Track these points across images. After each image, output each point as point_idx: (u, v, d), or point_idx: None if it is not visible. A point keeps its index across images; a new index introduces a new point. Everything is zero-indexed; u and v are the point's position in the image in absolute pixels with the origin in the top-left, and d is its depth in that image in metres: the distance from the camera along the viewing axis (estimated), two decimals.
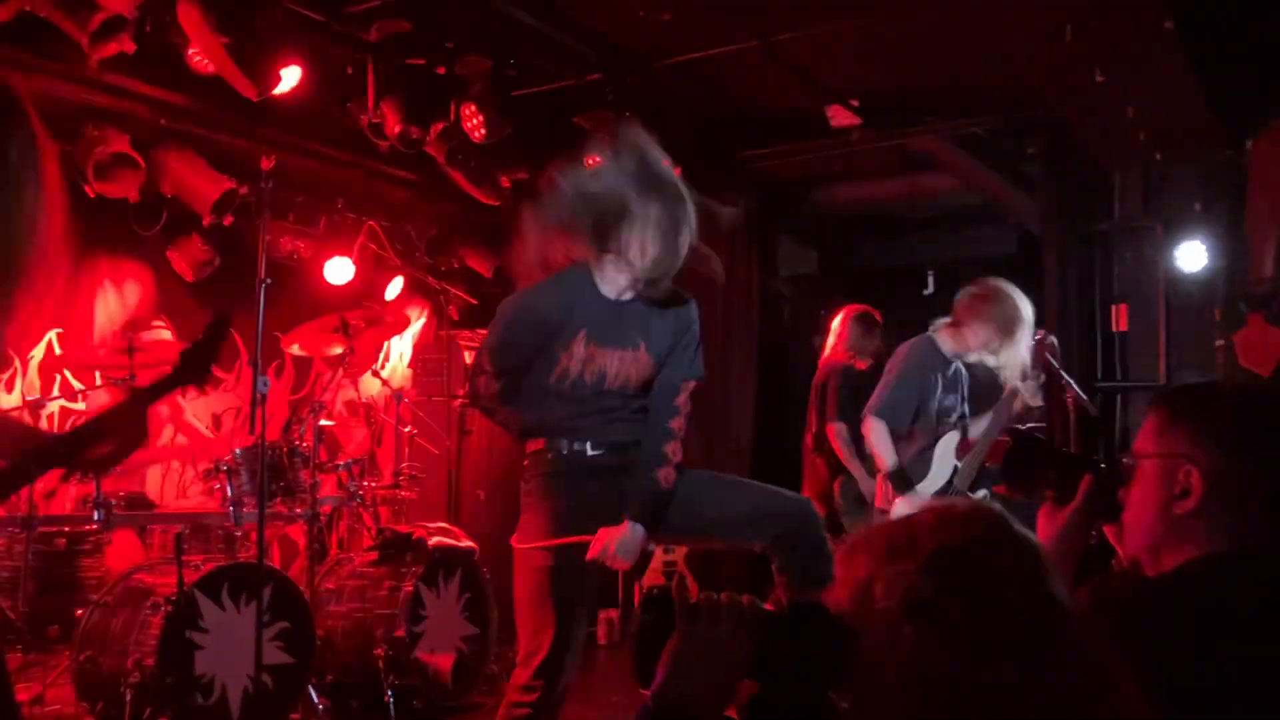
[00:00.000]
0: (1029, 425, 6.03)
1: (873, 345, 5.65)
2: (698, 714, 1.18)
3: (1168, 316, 5.96)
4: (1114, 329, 6.14)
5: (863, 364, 5.56)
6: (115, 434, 2.00)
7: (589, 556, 2.81)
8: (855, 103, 6.02)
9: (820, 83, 5.78)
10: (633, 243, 2.86)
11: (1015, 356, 4.51)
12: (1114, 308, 6.16)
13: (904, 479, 4.41)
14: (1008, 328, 4.48)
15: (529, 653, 2.84)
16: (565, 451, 2.94)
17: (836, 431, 5.41)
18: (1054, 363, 4.89)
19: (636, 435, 2.95)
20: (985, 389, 4.71)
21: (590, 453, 2.94)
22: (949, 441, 4.51)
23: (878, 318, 5.76)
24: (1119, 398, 6.25)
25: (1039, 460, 1.71)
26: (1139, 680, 1.14)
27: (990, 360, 4.57)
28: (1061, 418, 5.67)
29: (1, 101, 1.43)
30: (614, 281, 2.96)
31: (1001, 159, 6.50)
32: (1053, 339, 4.97)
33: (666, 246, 2.86)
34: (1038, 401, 6.18)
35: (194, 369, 2.16)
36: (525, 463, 3.04)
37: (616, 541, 2.81)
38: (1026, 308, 4.51)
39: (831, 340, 5.74)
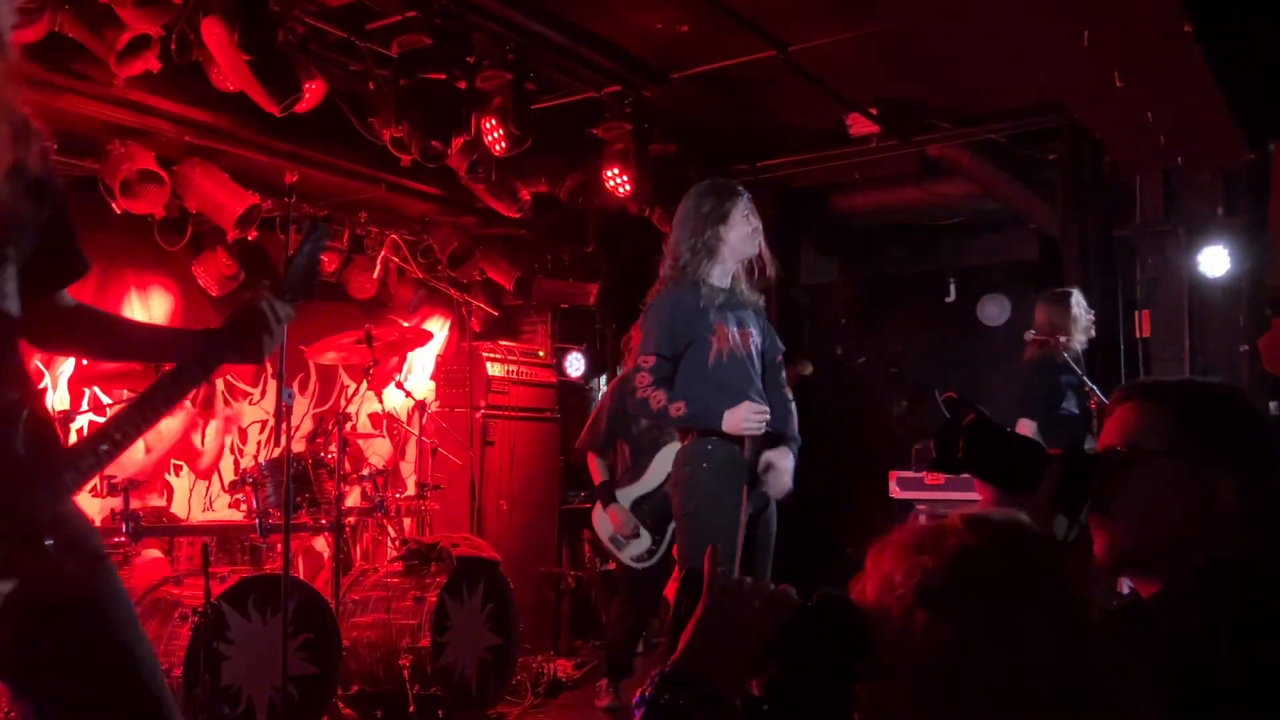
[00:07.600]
0: None
1: None
2: (711, 685, 1.20)
3: (1191, 322, 5.91)
4: (1137, 335, 6.09)
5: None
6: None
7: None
8: (874, 110, 6.03)
9: (838, 91, 5.78)
10: None
11: None
12: (1137, 314, 6.12)
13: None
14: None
15: None
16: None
17: None
18: (1078, 370, 4.88)
19: None
20: None
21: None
22: None
23: None
24: None
25: (991, 444, 1.58)
26: (1159, 682, 1.15)
27: None
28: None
29: None
30: None
31: (1021, 165, 6.49)
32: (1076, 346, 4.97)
33: None
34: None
35: (301, 281, 2.02)
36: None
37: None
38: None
39: None
